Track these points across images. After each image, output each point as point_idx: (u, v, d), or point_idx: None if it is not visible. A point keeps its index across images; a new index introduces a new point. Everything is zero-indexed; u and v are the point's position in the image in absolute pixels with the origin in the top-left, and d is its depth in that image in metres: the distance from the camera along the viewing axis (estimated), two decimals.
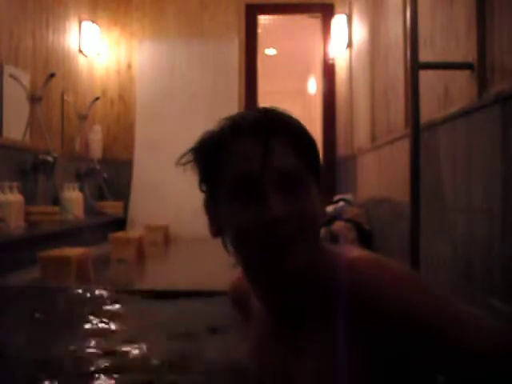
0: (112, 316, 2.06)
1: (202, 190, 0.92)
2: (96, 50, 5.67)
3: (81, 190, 4.80)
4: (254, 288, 0.89)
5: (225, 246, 0.88)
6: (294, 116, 0.87)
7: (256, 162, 0.79)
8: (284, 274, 0.80)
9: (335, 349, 0.79)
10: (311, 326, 0.84)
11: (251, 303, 0.96)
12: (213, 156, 0.84)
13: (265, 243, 0.79)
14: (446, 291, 0.83)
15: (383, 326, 0.75)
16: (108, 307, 2.24)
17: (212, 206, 0.89)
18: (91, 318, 2.02)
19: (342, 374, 0.79)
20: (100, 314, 2.06)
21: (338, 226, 3.67)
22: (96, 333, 1.86)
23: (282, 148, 0.80)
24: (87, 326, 1.96)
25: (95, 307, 2.18)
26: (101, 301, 2.30)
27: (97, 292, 2.37)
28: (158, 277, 3.46)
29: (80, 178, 4.99)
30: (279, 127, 0.81)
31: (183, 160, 0.89)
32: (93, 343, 1.71)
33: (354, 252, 0.83)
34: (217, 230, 0.89)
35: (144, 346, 1.58)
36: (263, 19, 6.26)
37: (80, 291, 2.41)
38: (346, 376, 0.78)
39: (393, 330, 0.75)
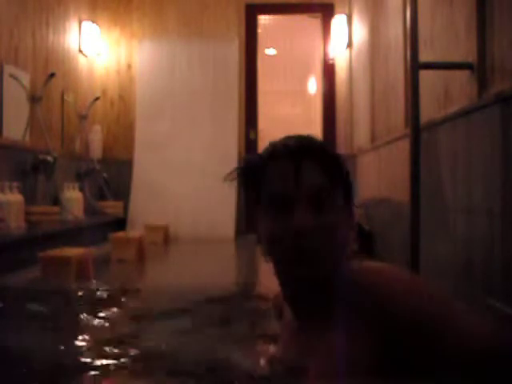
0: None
1: (246, 205, 1.06)
2: (96, 50, 5.67)
3: (81, 190, 4.80)
4: (283, 291, 1.02)
5: (263, 254, 1.01)
6: (326, 143, 1.03)
7: (288, 181, 0.94)
8: (304, 280, 0.93)
9: (345, 350, 0.89)
10: (327, 328, 0.94)
11: (286, 307, 1.08)
12: (254, 175, 1.01)
13: (289, 250, 0.92)
14: (447, 293, 0.89)
15: (391, 329, 0.85)
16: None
17: (255, 218, 1.03)
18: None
19: (350, 371, 0.88)
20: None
21: None
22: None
23: (310, 169, 0.95)
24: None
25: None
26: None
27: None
28: (157, 277, 3.46)
29: (80, 178, 4.99)
30: (309, 151, 0.96)
31: (230, 177, 1.05)
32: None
33: (369, 263, 0.97)
34: (259, 239, 1.02)
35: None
36: (263, 19, 6.26)
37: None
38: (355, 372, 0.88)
39: (399, 333, 0.84)
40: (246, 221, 1.06)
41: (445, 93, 2.35)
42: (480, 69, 1.96)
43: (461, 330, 0.82)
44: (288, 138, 1.02)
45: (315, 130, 6.99)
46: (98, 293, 2.52)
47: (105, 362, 1.53)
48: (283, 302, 1.07)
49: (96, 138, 5.53)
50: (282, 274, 0.98)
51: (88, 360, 1.52)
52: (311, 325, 0.97)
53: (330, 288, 0.95)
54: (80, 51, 5.33)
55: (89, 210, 4.88)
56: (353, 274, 0.93)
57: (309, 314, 0.98)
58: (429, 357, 0.82)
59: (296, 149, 0.97)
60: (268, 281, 1.16)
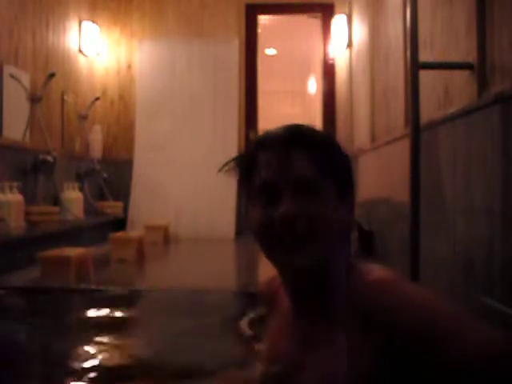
0: None
1: (239, 195, 1.04)
2: (96, 50, 5.67)
3: (81, 190, 4.80)
4: (283, 281, 1.00)
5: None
6: (320, 130, 0.99)
7: (275, 170, 0.93)
8: (294, 270, 0.92)
9: (343, 350, 0.88)
10: (324, 325, 0.93)
11: (281, 295, 1.05)
12: (244, 165, 1.00)
13: (277, 239, 0.91)
14: (446, 295, 0.89)
15: (397, 340, 0.83)
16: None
17: (245, 208, 1.01)
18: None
19: (345, 373, 0.87)
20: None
21: None
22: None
23: (297, 158, 0.92)
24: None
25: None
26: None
27: None
28: (157, 277, 3.46)
29: (80, 178, 4.99)
30: (299, 140, 0.94)
31: (226, 167, 1.03)
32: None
33: (373, 267, 0.93)
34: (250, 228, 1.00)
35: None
36: (263, 19, 6.26)
37: None
38: (350, 376, 0.86)
39: (400, 341, 0.83)
40: (245, 219, 1.05)
41: (445, 93, 2.35)
42: (480, 69, 1.96)
43: (469, 343, 0.80)
44: (282, 126, 1.00)
45: None
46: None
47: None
48: (277, 290, 1.05)
49: (96, 138, 5.53)
50: (273, 263, 0.96)
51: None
52: (310, 322, 0.96)
53: (327, 281, 0.93)
54: (80, 51, 5.33)
55: (89, 210, 4.88)
56: (357, 277, 0.91)
57: (308, 309, 0.96)
58: (432, 368, 0.80)
59: (285, 137, 0.95)
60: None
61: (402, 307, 0.84)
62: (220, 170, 1.03)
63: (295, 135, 0.95)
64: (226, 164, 1.03)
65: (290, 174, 0.92)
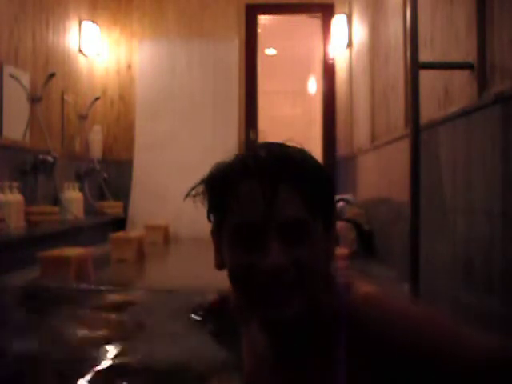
0: None
1: (209, 220, 0.91)
2: (96, 50, 5.66)
3: (81, 190, 4.80)
4: (257, 324, 0.89)
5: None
6: (308, 155, 0.85)
7: (260, 211, 0.79)
8: (278, 322, 0.81)
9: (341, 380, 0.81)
10: (314, 362, 0.85)
11: (250, 327, 0.96)
12: (221, 192, 0.85)
13: (262, 290, 0.79)
14: (446, 295, 0.87)
15: (394, 365, 0.78)
16: None
17: (218, 237, 0.89)
18: None
19: None
20: None
21: (338, 226, 3.66)
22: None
23: (287, 197, 0.79)
24: None
25: None
26: None
27: None
28: (157, 277, 3.46)
29: (80, 178, 4.98)
30: (287, 172, 0.80)
31: (194, 191, 0.92)
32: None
33: (363, 289, 0.85)
34: (221, 262, 0.88)
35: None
36: (263, 19, 6.26)
37: None
38: None
39: (402, 367, 0.78)
40: (216, 253, 0.90)
41: (445, 93, 2.35)
42: (480, 69, 1.96)
43: (459, 353, 0.78)
44: (261, 147, 0.85)
45: (315, 129, 6.99)
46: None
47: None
48: (243, 317, 0.95)
49: (96, 138, 5.53)
50: (252, 312, 0.85)
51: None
52: (294, 361, 0.86)
53: (314, 325, 0.84)
54: (80, 51, 5.33)
55: (89, 210, 4.88)
56: (347, 307, 0.82)
57: (292, 351, 0.86)
58: (426, 381, 0.77)
59: (271, 167, 0.79)
60: None
61: (393, 326, 0.79)
62: (187, 196, 0.91)
63: (282, 164, 0.80)
64: (194, 187, 0.91)
65: (277, 215, 0.78)
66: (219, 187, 0.86)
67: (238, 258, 0.81)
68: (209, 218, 0.91)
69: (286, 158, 0.81)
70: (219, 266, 0.88)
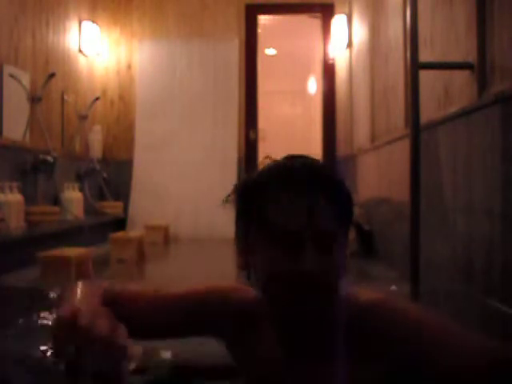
0: None
1: (237, 226, 0.97)
2: (96, 50, 5.66)
3: (81, 190, 4.79)
4: (274, 322, 0.94)
5: (248, 278, 0.95)
6: (332, 167, 0.94)
7: (300, 220, 0.85)
8: (304, 321, 0.87)
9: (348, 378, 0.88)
10: (326, 362, 0.91)
11: (260, 325, 0.99)
12: (257, 200, 0.90)
13: (292, 291, 0.85)
14: (446, 295, 0.91)
15: (397, 366, 0.85)
16: None
17: (245, 243, 0.94)
18: None
19: None
20: None
21: None
22: None
23: (324, 207, 0.86)
24: None
25: None
26: None
27: None
28: (157, 277, 3.46)
29: (80, 178, 4.98)
30: (323, 184, 0.88)
31: (228, 198, 0.97)
32: None
33: (365, 292, 0.92)
34: (245, 264, 0.94)
35: None
36: (263, 19, 6.26)
37: None
38: None
39: (405, 368, 0.84)
40: (243, 255, 0.96)
41: (445, 93, 2.35)
42: (480, 69, 1.96)
43: (459, 356, 0.82)
44: (292, 160, 0.91)
45: (315, 129, 6.99)
46: None
47: None
48: (253, 316, 0.99)
49: (96, 138, 5.52)
50: (278, 312, 0.90)
51: None
52: (305, 359, 0.92)
53: (332, 321, 0.90)
54: (80, 51, 5.33)
55: (89, 210, 4.87)
56: (354, 309, 0.89)
57: (305, 349, 0.92)
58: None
59: (310, 178, 0.87)
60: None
61: (398, 329, 0.85)
62: (224, 203, 0.98)
63: (319, 176, 0.88)
64: (231, 194, 0.96)
65: (315, 224, 0.85)
66: (255, 196, 0.90)
67: (273, 260, 0.86)
68: (237, 224, 0.96)
69: (320, 171, 0.89)
70: (243, 266, 0.94)
